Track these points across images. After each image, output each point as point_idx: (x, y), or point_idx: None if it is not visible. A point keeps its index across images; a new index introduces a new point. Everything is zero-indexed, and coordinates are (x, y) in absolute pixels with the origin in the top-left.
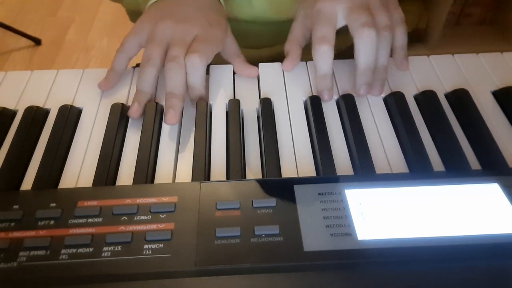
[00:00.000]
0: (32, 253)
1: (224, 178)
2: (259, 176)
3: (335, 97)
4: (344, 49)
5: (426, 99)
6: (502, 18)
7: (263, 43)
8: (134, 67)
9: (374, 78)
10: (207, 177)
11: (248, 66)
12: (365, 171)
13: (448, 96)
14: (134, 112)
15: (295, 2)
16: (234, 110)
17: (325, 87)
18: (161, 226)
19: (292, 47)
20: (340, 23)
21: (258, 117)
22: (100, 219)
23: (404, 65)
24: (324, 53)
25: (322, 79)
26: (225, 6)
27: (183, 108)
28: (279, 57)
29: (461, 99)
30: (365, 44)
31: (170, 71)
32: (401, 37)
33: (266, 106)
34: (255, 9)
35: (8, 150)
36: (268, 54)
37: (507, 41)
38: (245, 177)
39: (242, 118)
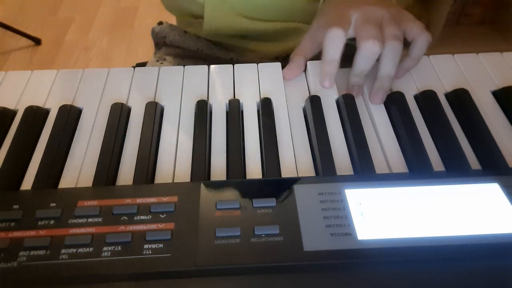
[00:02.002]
0: (32, 253)
1: (224, 178)
2: (259, 176)
3: (335, 97)
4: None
5: (426, 99)
6: (502, 18)
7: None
8: (134, 67)
9: (376, 86)
10: (207, 177)
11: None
12: (365, 171)
13: (448, 96)
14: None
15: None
16: (234, 110)
17: (328, 73)
18: (161, 226)
19: (297, 57)
20: (350, 33)
21: (258, 117)
22: (100, 219)
23: (400, 75)
24: (334, 36)
25: (328, 64)
26: None
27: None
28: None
29: (461, 99)
30: (366, 52)
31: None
32: (420, 48)
33: (266, 106)
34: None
35: (8, 150)
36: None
37: (507, 41)
38: (245, 177)
39: (242, 118)
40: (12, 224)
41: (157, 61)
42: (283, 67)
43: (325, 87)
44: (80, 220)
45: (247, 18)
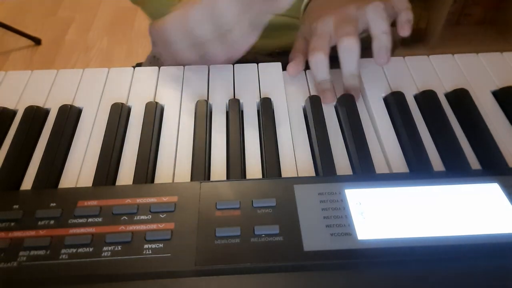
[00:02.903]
0: (32, 253)
1: (224, 178)
2: (259, 176)
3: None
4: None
5: (426, 99)
6: (502, 18)
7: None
8: (134, 67)
9: (376, 47)
10: (207, 177)
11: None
12: (365, 171)
13: (448, 96)
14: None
15: None
16: (234, 110)
17: (325, 88)
18: (161, 226)
19: (296, 54)
20: (333, 42)
21: (258, 117)
22: (100, 219)
23: (405, 29)
24: (318, 61)
25: (322, 84)
26: None
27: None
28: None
29: (461, 99)
30: (346, 53)
31: None
32: (400, 2)
33: (266, 106)
34: None
35: (8, 150)
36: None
37: (507, 41)
38: (245, 177)
39: (242, 118)
40: (12, 224)
41: (154, 56)
42: (283, 66)
43: (327, 102)
44: (80, 220)
45: None
